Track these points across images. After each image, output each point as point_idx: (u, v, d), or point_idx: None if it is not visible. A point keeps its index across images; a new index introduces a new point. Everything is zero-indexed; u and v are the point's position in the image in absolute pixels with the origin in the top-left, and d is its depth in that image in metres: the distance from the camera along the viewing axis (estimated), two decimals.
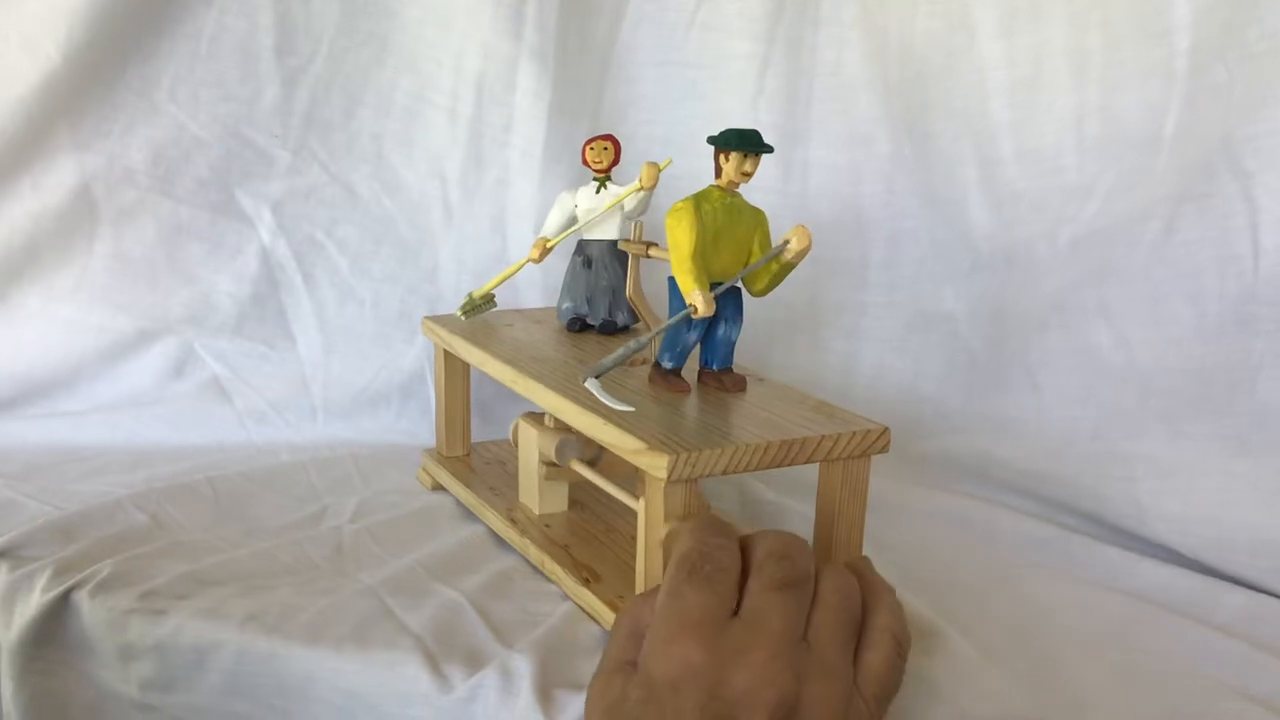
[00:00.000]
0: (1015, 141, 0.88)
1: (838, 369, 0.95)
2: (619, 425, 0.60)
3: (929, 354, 0.93)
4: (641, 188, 0.75)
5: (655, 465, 0.56)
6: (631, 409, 0.60)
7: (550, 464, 0.73)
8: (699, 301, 0.62)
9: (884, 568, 0.71)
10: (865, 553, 0.63)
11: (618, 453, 0.60)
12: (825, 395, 0.67)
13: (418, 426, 0.95)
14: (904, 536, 0.78)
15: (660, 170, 0.74)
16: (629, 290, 0.74)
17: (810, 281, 0.94)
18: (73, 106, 0.90)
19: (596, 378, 0.63)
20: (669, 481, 0.56)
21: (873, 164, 0.93)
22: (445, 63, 0.95)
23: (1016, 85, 0.87)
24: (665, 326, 0.64)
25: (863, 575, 0.52)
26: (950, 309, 0.92)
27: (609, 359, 0.64)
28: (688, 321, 0.64)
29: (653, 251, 0.71)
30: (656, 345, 0.68)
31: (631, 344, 0.64)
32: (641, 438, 0.58)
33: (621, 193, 0.77)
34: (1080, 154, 0.85)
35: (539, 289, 0.94)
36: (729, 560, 0.51)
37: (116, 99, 0.92)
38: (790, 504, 0.81)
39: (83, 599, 0.64)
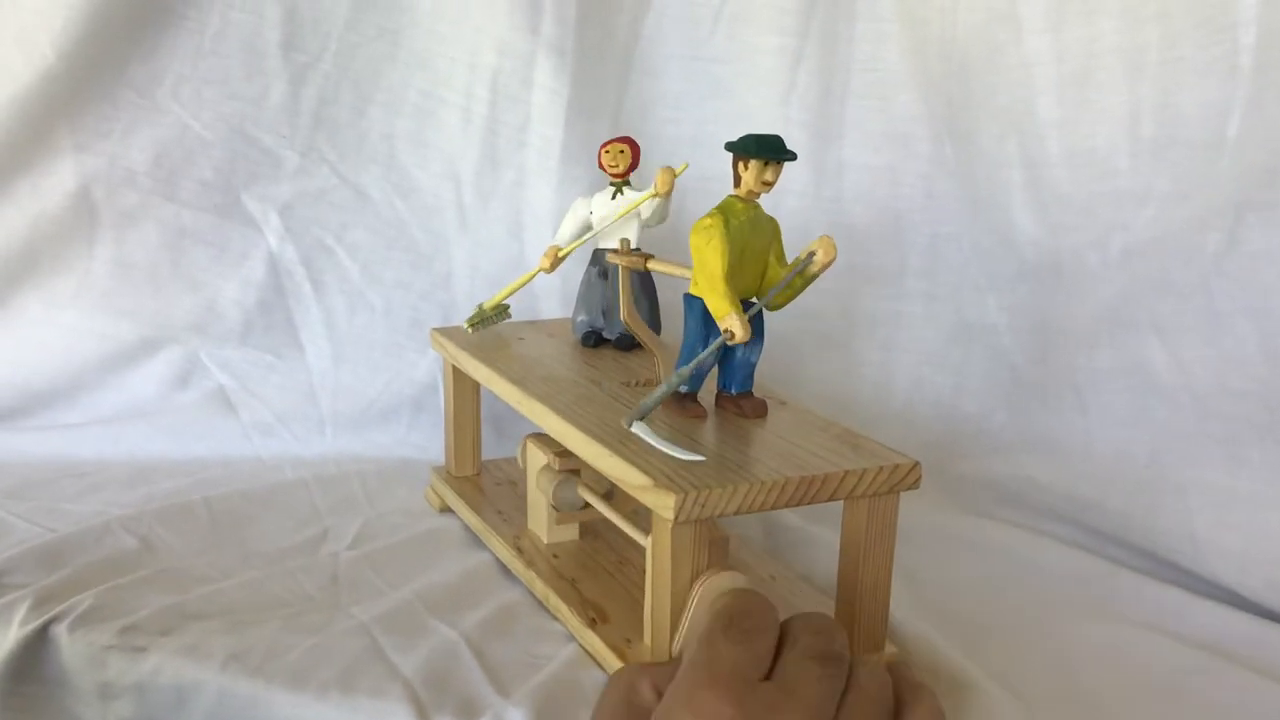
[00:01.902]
0: (1064, 142, 0.83)
1: (872, 383, 0.91)
2: (625, 458, 0.55)
3: (969, 369, 0.89)
4: (656, 194, 0.71)
5: (662, 505, 0.52)
6: (702, 459, 0.55)
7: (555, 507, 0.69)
8: (736, 327, 0.58)
9: (915, 604, 0.67)
10: (895, 586, 0.60)
11: (623, 487, 0.55)
12: (858, 411, 0.63)
13: (430, 440, 0.91)
14: (937, 568, 0.74)
15: (676, 175, 0.70)
16: (623, 313, 0.68)
17: (844, 291, 0.90)
18: (71, 106, 0.88)
19: (641, 419, 0.58)
20: (677, 522, 0.52)
21: (911, 165, 0.89)
22: (459, 59, 0.92)
23: (1066, 82, 0.82)
24: (705, 356, 0.59)
25: (902, 675, 0.48)
26: (993, 321, 0.87)
27: (650, 398, 0.59)
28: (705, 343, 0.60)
29: (652, 264, 0.67)
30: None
31: (673, 378, 0.59)
32: (648, 472, 0.54)
33: (635, 200, 0.72)
34: (1134, 156, 0.80)
35: (557, 298, 0.90)
36: (769, 623, 0.48)
37: (117, 98, 0.89)
38: (816, 531, 0.77)
39: (61, 633, 0.61)
